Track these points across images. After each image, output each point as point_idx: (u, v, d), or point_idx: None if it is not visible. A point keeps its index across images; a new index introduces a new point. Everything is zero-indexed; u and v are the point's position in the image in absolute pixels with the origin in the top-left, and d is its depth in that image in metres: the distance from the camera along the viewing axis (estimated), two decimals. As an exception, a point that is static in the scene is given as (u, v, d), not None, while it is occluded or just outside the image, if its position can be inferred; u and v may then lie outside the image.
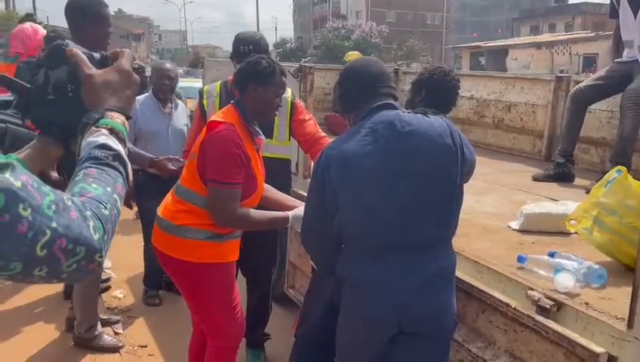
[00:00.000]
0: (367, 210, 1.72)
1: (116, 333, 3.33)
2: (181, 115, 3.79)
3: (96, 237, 0.78)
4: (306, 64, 3.13)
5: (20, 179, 0.69)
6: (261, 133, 2.25)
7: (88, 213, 0.78)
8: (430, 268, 1.69)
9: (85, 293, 3.05)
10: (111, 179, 0.89)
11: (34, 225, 0.69)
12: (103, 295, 3.74)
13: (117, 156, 0.92)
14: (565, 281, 1.64)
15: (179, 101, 3.90)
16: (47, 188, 0.74)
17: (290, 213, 2.20)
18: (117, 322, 3.41)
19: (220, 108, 2.65)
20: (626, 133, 2.96)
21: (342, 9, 51.36)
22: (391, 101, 1.79)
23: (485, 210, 2.58)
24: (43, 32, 3.92)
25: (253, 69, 2.19)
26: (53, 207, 0.72)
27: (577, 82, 3.54)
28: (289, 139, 2.83)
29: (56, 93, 1.08)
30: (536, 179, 3.29)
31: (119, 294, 3.91)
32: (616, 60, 3.25)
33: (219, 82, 2.83)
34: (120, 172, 0.92)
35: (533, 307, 1.61)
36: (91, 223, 0.78)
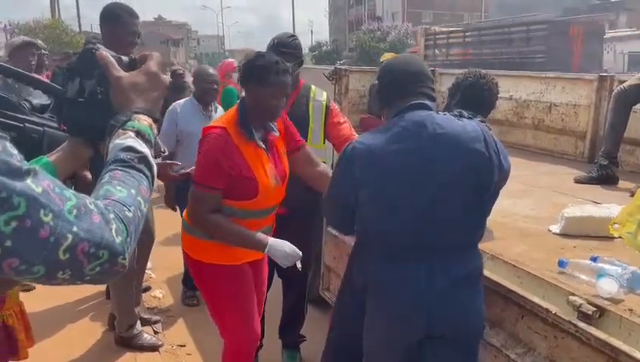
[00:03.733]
0: (390, 208, 1.72)
1: (156, 332, 3.41)
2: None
3: (118, 240, 0.79)
4: (341, 67, 3.13)
5: (40, 185, 0.72)
6: (274, 129, 2.19)
7: (111, 216, 0.80)
8: (456, 271, 1.68)
9: (121, 293, 3.13)
10: (136, 182, 0.90)
11: (55, 230, 0.71)
12: (143, 295, 3.84)
13: (142, 158, 0.94)
14: (608, 286, 1.59)
15: (217, 105, 4.00)
16: (69, 193, 0.76)
17: (270, 241, 2.07)
18: (157, 322, 3.50)
19: None
20: None
21: (377, 10, 51.10)
22: (426, 101, 1.77)
23: (523, 213, 2.53)
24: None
25: (251, 67, 2.11)
26: (75, 211, 0.74)
27: (621, 81, 3.42)
28: (324, 142, 2.84)
29: (86, 95, 1.11)
30: (578, 181, 3.20)
31: (159, 294, 4.01)
32: None
33: None
34: (145, 174, 0.94)
35: (575, 313, 1.57)
36: (114, 226, 0.79)
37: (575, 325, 1.53)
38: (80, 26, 32.70)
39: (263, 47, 2.82)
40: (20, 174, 0.68)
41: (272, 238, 2.11)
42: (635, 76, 3.30)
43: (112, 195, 0.84)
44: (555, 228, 2.24)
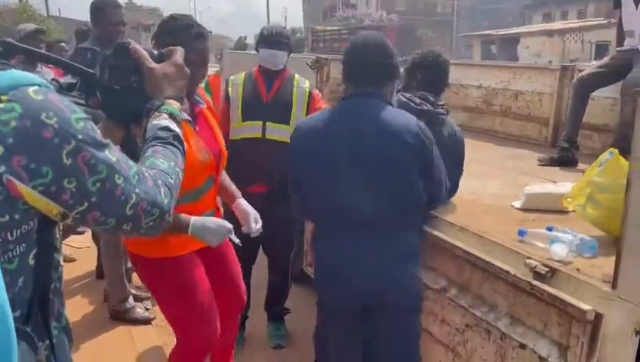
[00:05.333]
0: (323, 188, 1.93)
1: (147, 309, 3.58)
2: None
3: (166, 201, 0.99)
4: (323, 56, 3.32)
5: (115, 155, 0.91)
6: (200, 101, 2.07)
7: (160, 182, 1.00)
8: (388, 247, 1.90)
9: (112, 267, 3.32)
10: (173, 155, 1.10)
11: (125, 190, 0.91)
12: (134, 274, 4.00)
13: (176, 136, 1.14)
14: (559, 251, 1.83)
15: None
16: (131, 162, 0.96)
17: (191, 221, 1.88)
18: (147, 298, 3.67)
19: (242, 96, 2.88)
20: (627, 120, 3.12)
21: (352, -2, 51.15)
22: (369, 89, 1.94)
23: (490, 192, 2.77)
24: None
25: (164, 31, 1.96)
26: (137, 177, 0.94)
27: (581, 71, 3.69)
28: None
29: (122, 84, 1.27)
30: (541, 162, 3.46)
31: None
32: (618, 49, 3.40)
33: (244, 73, 3.05)
34: (179, 149, 1.13)
35: (531, 273, 1.81)
36: (162, 190, 0.99)
37: (530, 283, 1.77)
38: (48, 10, 31.92)
39: (236, 33, 3.15)
40: (102, 146, 0.87)
41: (195, 217, 1.91)
42: (592, 65, 3.58)
43: (157, 166, 1.03)
44: (517, 203, 2.48)
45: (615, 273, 1.57)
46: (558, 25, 31.62)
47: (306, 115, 3.00)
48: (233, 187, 2.33)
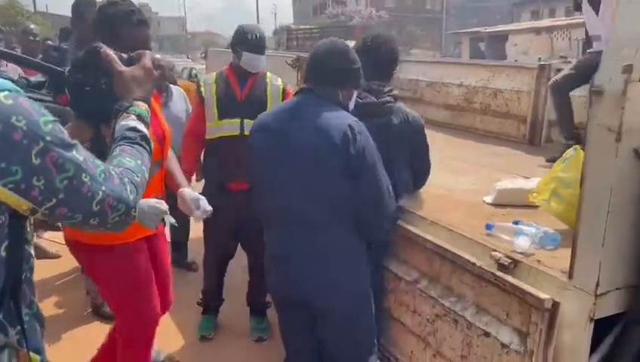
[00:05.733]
0: (265, 183, 2.00)
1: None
2: (178, 101, 4.03)
3: (131, 197, 1.06)
4: (302, 54, 3.39)
5: (82, 154, 0.98)
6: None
7: (126, 180, 1.06)
8: (323, 248, 1.94)
9: None
10: (139, 154, 1.17)
11: (91, 187, 0.97)
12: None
13: (144, 137, 1.21)
14: (522, 243, 1.91)
15: (174, 88, 4.07)
16: (98, 161, 1.02)
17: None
18: None
19: (216, 94, 2.94)
20: None
21: (342, -5, 51.14)
22: (320, 90, 1.97)
23: (464, 188, 2.85)
24: None
25: (104, 17, 1.95)
26: (103, 175, 1.00)
27: (559, 70, 3.78)
28: None
29: (92, 86, 1.34)
30: (549, 161, 3.45)
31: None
32: (588, 51, 3.49)
33: (214, 73, 3.12)
34: (146, 149, 1.21)
35: (495, 265, 1.89)
36: (128, 187, 1.06)
37: (494, 274, 1.85)
38: (35, 6, 31.65)
39: (225, 30, 3.17)
40: (69, 146, 0.94)
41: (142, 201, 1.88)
42: (567, 66, 3.67)
43: (124, 165, 1.10)
44: (489, 198, 2.56)
45: (571, 264, 1.66)
46: (545, 22, 31.77)
47: None
48: (180, 175, 2.32)
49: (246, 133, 2.91)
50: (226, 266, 3.32)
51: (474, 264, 1.94)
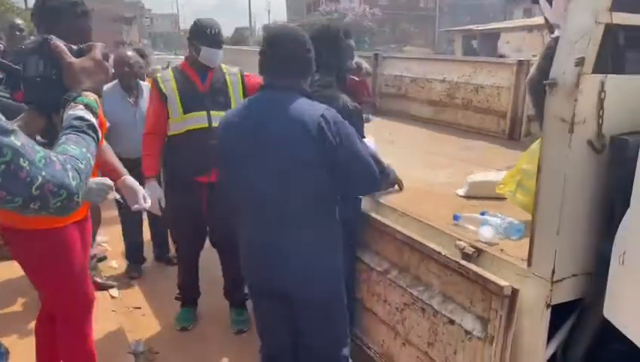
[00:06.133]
0: (238, 177, 2.01)
1: (113, 297, 3.66)
2: (148, 98, 4.02)
3: (74, 183, 1.06)
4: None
5: (20, 140, 0.98)
6: None
7: (68, 166, 1.07)
8: (299, 238, 1.95)
9: None
10: (85, 143, 1.18)
11: (30, 172, 0.98)
12: (100, 265, 4.08)
13: (90, 125, 1.23)
14: (486, 233, 1.96)
15: (144, 85, 4.01)
16: (38, 148, 1.03)
17: None
18: (112, 286, 3.75)
19: (178, 89, 2.97)
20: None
21: (335, -8, 51.10)
22: (286, 82, 1.96)
23: (439, 181, 2.90)
24: None
25: (43, 9, 1.96)
26: (43, 161, 1.01)
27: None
28: None
29: (42, 76, 1.36)
30: None
31: (114, 264, 4.25)
32: (551, 36, 3.49)
33: (169, 69, 3.12)
34: (93, 138, 1.22)
35: (460, 254, 1.94)
36: (70, 174, 1.07)
37: (458, 263, 1.90)
38: (26, 3, 31.42)
39: (221, 27, 3.10)
40: (7, 132, 0.96)
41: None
42: (536, 58, 3.67)
43: (68, 152, 1.11)
44: (461, 191, 2.61)
45: (529, 252, 1.71)
46: (537, 20, 31.87)
47: (244, 96, 3.10)
48: (118, 163, 2.29)
49: (214, 124, 2.92)
50: (197, 258, 3.34)
51: (439, 253, 1.98)
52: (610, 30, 1.55)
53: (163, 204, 2.98)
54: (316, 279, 2.01)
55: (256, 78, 3.14)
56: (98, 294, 3.55)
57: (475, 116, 4.58)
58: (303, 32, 2.05)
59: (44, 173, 1.00)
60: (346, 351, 2.16)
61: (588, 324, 1.72)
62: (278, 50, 1.97)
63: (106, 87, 3.90)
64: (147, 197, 2.25)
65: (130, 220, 3.92)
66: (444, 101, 4.89)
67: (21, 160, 0.96)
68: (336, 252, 2.08)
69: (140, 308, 3.56)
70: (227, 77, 3.09)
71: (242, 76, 3.15)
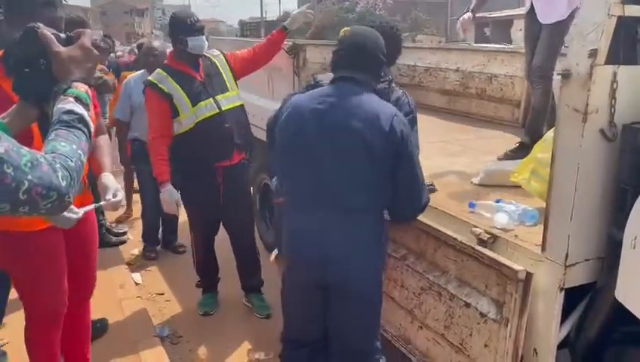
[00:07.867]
0: (300, 165, 2.04)
1: (137, 284, 3.78)
2: None
3: (64, 183, 1.03)
4: (298, 41, 3.47)
5: (3, 146, 0.96)
6: None
7: (57, 166, 1.04)
8: (354, 230, 1.99)
9: None
10: (76, 138, 1.13)
11: (15, 178, 0.96)
12: (123, 252, 4.26)
13: (81, 119, 1.17)
14: (501, 219, 2.03)
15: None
16: (24, 150, 1.00)
17: None
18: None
19: (179, 86, 2.99)
20: (536, 105, 3.25)
21: (346, -20, 50.69)
22: (354, 75, 2.02)
23: (455, 169, 2.95)
24: None
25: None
26: (29, 164, 0.99)
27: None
28: (237, 86, 3.21)
29: (31, 67, 1.28)
30: None
31: (136, 252, 4.39)
32: (523, 13, 3.44)
33: (158, 70, 3.09)
34: (84, 131, 1.15)
35: (475, 240, 2.00)
36: (60, 174, 1.03)
37: (474, 249, 1.96)
38: None
39: (230, 18, 3.25)
40: None
41: None
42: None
43: (57, 150, 1.08)
44: (476, 179, 2.67)
45: (543, 237, 1.77)
46: (551, 7, 31.46)
47: (233, 74, 3.18)
48: (106, 159, 2.25)
49: (223, 108, 3.04)
50: (214, 243, 3.42)
51: (455, 239, 2.05)
52: (623, 22, 1.60)
53: (180, 205, 3.09)
54: (366, 273, 2.05)
55: (235, 53, 3.25)
56: (123, 281, 3.72)
57: (490, 105, 4.60)
58: (379, 34, 2.10)
59: (30, 177, 0.97)
60: (378, 343, 2.20)
61: (600, 307, 1.78)
62: (359, 46, 2.03)
63: (133, 76, 4.12)
64: (118, 193, 2.09)
65: (149, 204, 4.15)
66: (458, 90, 4.92)
67: (5, 166, 0.94)
68: (383, 249, 2.15)
69: (163, 294, 3.68)
70: (214, 60, 3.15)
71: (225, 55, 3.21)
